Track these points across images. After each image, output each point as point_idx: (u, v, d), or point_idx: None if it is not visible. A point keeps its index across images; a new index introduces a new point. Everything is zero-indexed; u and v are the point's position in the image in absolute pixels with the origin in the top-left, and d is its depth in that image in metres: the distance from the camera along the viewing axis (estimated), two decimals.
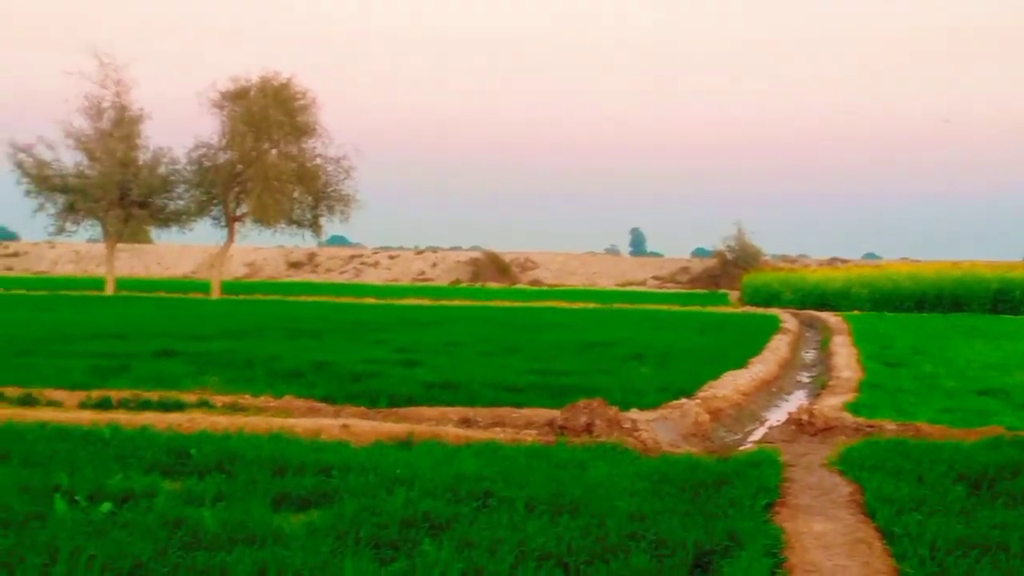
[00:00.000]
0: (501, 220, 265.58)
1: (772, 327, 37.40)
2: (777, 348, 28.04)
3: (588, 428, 13.17)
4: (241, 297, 62.46)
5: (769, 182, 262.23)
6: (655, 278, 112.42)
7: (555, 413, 14.07)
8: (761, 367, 22.31)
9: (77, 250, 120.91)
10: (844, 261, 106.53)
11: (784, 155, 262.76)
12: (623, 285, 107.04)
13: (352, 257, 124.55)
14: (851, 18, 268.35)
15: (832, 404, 16.27)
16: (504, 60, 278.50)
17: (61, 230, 69.51)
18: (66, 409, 14.66)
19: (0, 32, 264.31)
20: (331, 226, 71.58)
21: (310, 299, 60.79)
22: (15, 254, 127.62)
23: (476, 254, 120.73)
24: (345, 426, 13.12)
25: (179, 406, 15.02)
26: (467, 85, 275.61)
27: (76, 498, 8.67)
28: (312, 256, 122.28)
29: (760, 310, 55.20)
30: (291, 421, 13.54)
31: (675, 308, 56.05)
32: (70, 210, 67.70)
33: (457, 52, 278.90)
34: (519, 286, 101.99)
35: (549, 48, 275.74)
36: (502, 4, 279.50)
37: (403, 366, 20.20)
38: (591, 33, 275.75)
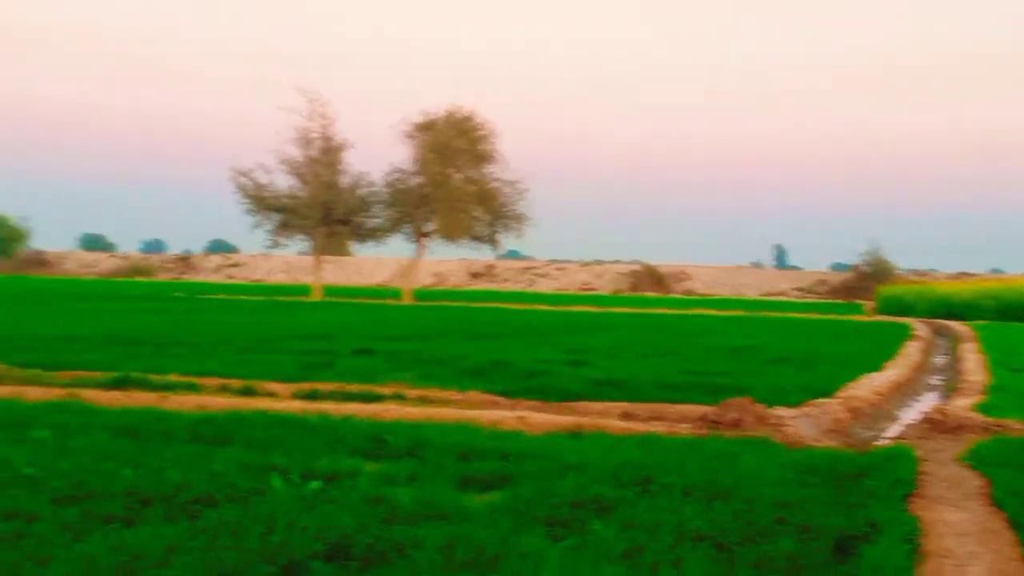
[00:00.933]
0: (658, 235, 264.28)
1: (905, 334, 36.55)
2: (910, 354, 27.35)
3: (738, 423, 13.01)
4: (429, 303, 63.01)
5: (902, 199, 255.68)
6: (796, 289, 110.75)
7: (708, 409, 13.92)
8: (895, 371, 21.79)
9: (288, 261, 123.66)
10: (971, 275, 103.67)
11: (917, 172, 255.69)
12: (766, 295, 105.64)
13: (526, 269, 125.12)
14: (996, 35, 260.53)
15: (962, 405, 15.81)
16: (661, 77, 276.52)
17: (275, 244, 71.40)
18: (280, 399, 14.93)
19: (224, 73, 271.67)
20: (507, 241, 72.26)
21: (489, 306, 61.12)
22: (236, 264, 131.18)
23: (635, 267, 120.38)
24: (521, 418, 13.14)
25: (377, 398, 15.19)
26: (629, 109, 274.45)
27: (290, 476, 8.80)
28: (491, 268, 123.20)
29: (893, 319, 53.98)
30: (474, 412, 13.59)
31: (815, 316, 55.12)
32: (283, 227, 69.42)
33: (615, 74, 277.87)
34: (673, 295, 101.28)
35: (711, 67, 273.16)
36: (656, 21, 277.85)
37: (571, 366, 20.16)
38: (748, 60, 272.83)
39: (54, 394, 14.30)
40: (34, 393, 14.36)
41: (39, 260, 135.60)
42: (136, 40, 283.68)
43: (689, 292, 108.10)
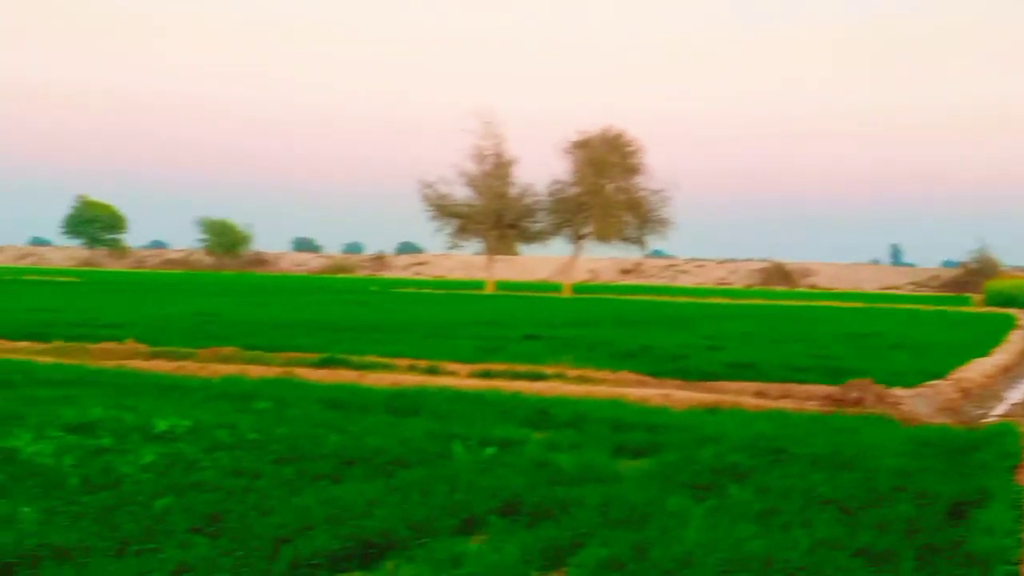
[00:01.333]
0: (787, 235, 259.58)
1: (1010, 324, 35.16)
2: (1014, 341, 26.29)
3: (858, 401, 12.69)
4: (585, 296, 62.92)
5: (1009, 199, 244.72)
6: (910, 284, 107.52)
7: (831, 389, 13.62)
8: (1001, 356, 20.97)
9: (465, 260, 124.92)
10: None
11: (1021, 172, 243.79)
12: (884, 289, 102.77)
13: (669, 266, 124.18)
14: None
15: None
16: (792, 94, 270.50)
17: (455, 245, 72.56)
18: (459, 377, 15.07)
19: (413, 97, 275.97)
20: (652, 242, 72.03)
21: (636, 298, 60.76)
22: (421, 263, 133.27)
23: (766, 264, 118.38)
24: (666, 395, 13.05)
25: (542, 377, 15.23)
26: (762, 124, 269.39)
27: (469, 443, 8.88)
28: (638, 265, 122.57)
29: (999, 311, 51.96)
30: (625, 390, 13.54)
31: (927, 308, 53.40)
32: (461, 231, 70.36)
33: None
34: (799, 289, 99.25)
35: (837, 80, 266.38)
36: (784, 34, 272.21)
37: (709, 350, 19.90)
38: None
39: (273, 372, 14.71)
40: (256, 371, 14.79)
41: (259, 260, 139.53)
42: (340, 69, 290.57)
43: (814, 287, 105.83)
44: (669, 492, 7.28)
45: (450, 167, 79.56)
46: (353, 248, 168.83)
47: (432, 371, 15.72)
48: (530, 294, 64.18)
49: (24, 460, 7.54)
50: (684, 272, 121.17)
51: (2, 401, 10.57)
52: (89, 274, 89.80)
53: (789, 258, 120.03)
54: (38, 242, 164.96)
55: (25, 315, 25.57)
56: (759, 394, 14.02)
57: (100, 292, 45.69)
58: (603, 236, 67.94)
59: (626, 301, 54.06)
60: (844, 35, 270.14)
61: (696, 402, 12.49)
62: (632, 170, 67.97)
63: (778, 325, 30.74)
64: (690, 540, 5.96)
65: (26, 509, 6.19)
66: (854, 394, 12.83)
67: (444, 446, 8.69)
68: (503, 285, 78.08)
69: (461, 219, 70.03)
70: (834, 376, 15.30)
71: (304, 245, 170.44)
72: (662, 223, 68.88)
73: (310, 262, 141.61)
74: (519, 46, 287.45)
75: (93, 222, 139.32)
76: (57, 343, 18.35)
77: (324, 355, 16.81)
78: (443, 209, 70.26)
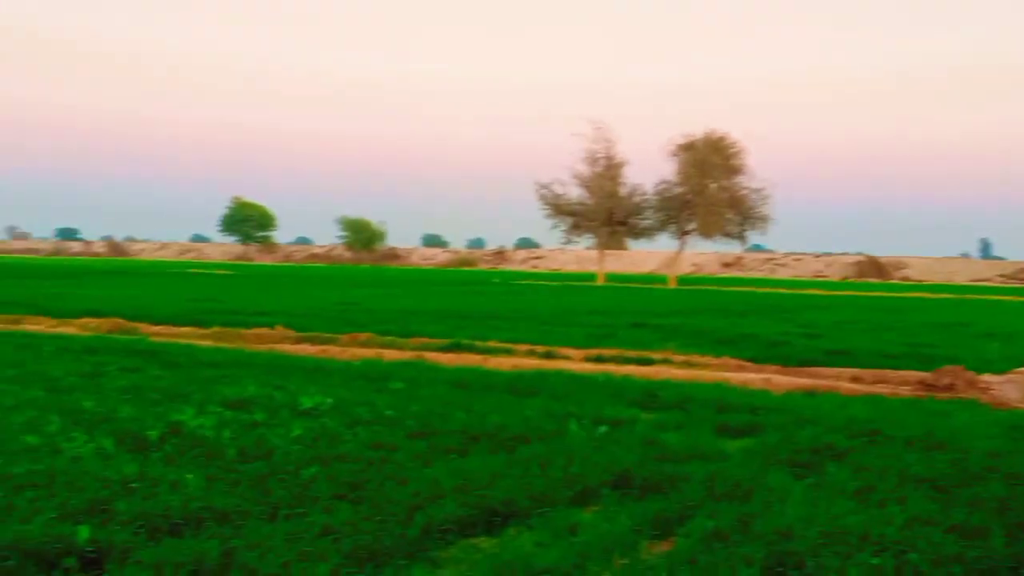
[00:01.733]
0: (880, 230, 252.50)
1: None
2: None
3: (950, 387, 12.31)
4: (689, 288, 62.25)
5: None
6: (1000, 276, 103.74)
7: (924, 374, 13.23)
8: None
9: (578, 254, 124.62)
10: None
11: None
12: (974, 282, 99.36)
13: (767, 259, 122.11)
14: None
15: None
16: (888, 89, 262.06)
17: (568, 241, 72.43)
18: (574, 361, 15.07)
19: (527, 111, 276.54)
20: (753, 237, 70.94)
21: (737, 290, 59.87)
22: (538, 257, 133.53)
23: (860, 257, 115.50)
24: (767, 379, 12.85)
25: (649, 362, 15.14)
26: (865, 121, 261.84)
27: (583, 422, 8.87)
28: (739, 259, 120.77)
29: None
30: (727, 374, 13.37)
31: (1016, 299, 51.45)
32: (574, 227, 70.31)
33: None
34: (892, 282, 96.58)
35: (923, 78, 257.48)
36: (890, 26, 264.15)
37: (807, 337, 19.53)
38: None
39: (406, 355, 14.91)
40: (391, 354, 15.01)
41: (392, 254, 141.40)
42: (473, 92, 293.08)
43: (905, 279, 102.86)
44: (770, 469, 7.17)
45: (565, 170, 79.62)
46: (476, 243, 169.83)
47: (549, 356, 15.76)
48: (638, 286, 63.73)
49: (188, 432, 7.79)
50: (782, 265, 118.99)
51: (170, 380, 10.94)
52: (242, 267, 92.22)
53: (882, 252, 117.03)
54: (198, 239, 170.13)
55: (188, 304, 26.39)
56: (855, 379, 13.71)
57: (252, 284, 46.90)
58: (706, 232, 67.16)
59: (728, 292, 53.32)
60: (938, 28, 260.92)
61: (795, 386, 12.27)
62: (734, 170, 67.01)
63: (872, 315, 29.98)
64: (790, 514, 5.86)
65: (190, 476, 6.40)
66: (946, 380, 12.45)
67: (560, 424, 8.70)
68: (613, 277, 77.68)
69: (575, 217, 69.91)
70: (926, 363, 14.88)
71: (432, 241, 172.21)
72: (762, 219, 67.79)
73: (438, 256, 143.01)
74: (634, 57, 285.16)
75: (247, 221, 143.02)
76: (216, 329, 18.91)
77: (451, 340, 16.96)
78: (558, 208, 70.24)
